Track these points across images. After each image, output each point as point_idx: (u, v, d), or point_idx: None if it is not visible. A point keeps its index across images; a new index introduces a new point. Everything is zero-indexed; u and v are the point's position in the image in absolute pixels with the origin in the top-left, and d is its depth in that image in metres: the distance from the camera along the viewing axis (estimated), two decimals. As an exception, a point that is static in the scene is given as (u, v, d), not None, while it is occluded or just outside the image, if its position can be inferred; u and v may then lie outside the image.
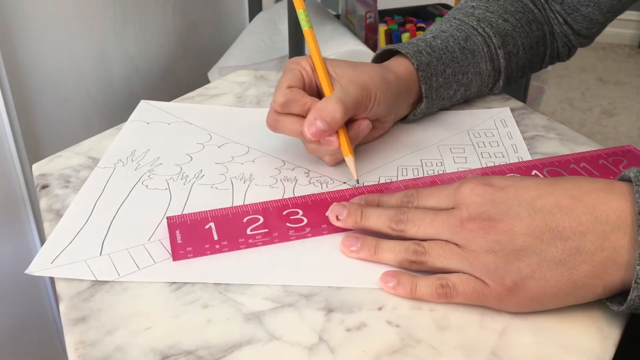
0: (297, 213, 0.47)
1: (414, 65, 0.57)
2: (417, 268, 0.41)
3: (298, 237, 0.45)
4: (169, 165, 0.55)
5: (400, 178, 0.53)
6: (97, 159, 0.56)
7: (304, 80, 0.52)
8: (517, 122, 0.61)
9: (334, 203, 0.45)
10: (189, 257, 0.43)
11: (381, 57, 0.61)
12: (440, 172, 0.53)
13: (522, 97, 1.36)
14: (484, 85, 0.63)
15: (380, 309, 0.39)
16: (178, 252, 0.43)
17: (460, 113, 0.63)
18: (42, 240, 0.80)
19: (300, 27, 0.54)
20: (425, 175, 0.53)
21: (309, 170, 0.54)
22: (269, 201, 0.48)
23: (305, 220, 0.46)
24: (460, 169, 0.54)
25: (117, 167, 0.54)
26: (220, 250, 0.43)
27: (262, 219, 0.46)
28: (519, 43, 0.63)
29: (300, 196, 0.49)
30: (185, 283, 0.41)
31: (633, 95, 2.37)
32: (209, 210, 0.47)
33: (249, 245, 0.44)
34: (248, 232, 0.45)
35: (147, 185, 0.52)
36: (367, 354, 0.36)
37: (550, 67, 1.51)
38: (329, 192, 0.49)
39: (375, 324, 0.38)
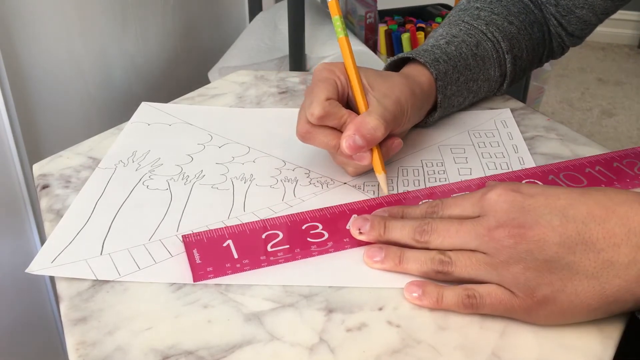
0: (317, 227, 0.46)
1: (433, 75, 0.56)
2: (443, 278, 0.40)
3: (320, 253, 0.43)
4: (170, 165, 0.55)
5: (401, 178, 0.53)
6: (97, 159, 0.56)
7: (339, 91, 0.50)
8: (517, 122, 0.61)
9: (355, 216, 0.44)
10: (209, 278, 0.41)
11: (394, 63, 0.60)
12: (441, 172, 0.53)
13: (522, 97, 1.36)
14: (491, 90, 0.63)
15: (380, 309, 0.39)
16: (198, 273, 0.41)
17: (460, 114, 0.63)
18: (43, 240, 0.80)
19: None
20: (426, 175, 0.53)
21: (309, 171, 0.54)
22: (287, 215, 0.47)
23: (327, 235, 0.45)
24: (460, 170, 0.54)
25: (117, 168, 0.54)
26: (241, 269, 0.42)
27: (281, 235, 0.45)
28: (523, 46, 0.63)
29: (319, 209, 0.47)
30: (186, 283, 0.41)
31: (633, 95, 2.37)
32: (225, 227, 0.45)
33: (270, 263, 0.42)
34: (269, 248, 0.43)
35: (147, 186, 0.52)
36: (368, 354, 0.36)
37: (550, 67, 1.51)
38: (347, 204, 0.48)
39: (375, 324, 0.38)
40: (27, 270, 0.42)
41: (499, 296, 0.37)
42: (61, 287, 0.41)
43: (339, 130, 0.49)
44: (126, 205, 0.49)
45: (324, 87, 0.49)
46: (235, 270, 0.42)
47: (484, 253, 0.38)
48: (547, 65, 1.51)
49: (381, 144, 0.51)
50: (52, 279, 0.47)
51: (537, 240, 0.36)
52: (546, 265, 0.36)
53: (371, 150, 0.49)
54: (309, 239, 0.44)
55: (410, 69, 0.57)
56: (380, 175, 0.50)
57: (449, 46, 0.59)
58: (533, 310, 0.37)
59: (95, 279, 0.42)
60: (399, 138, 0.52)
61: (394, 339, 0.37)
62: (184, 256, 0.44)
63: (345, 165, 0.52)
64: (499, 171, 0.53)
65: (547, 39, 0.66)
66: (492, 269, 0.37)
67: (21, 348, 0.85)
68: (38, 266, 0.43)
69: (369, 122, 0.48)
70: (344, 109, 0.49)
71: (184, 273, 0.42)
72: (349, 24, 1.34)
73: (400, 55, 0.59)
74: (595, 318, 0.37)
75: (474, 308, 0.38)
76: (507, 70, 0.62)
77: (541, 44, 0.65)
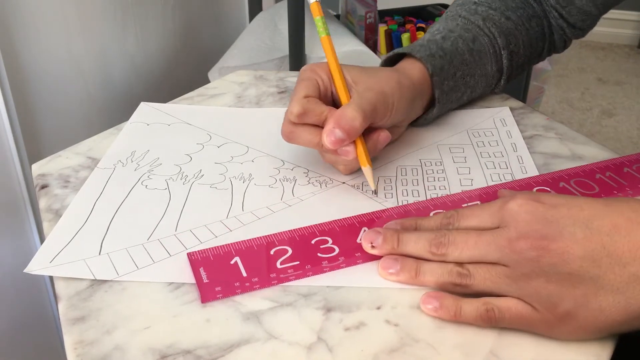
0: (327, 241, 0.44)
1: (429, 70, 0.56)
2: (461, 291, 0.39)
3: (332, 269, 0.42)
4: (169, 165, 0.55)
5: (400, 178, 0.53)
6: (96, 159, 0.56)
7: (320, 89, 0.50)
8: (516, 121, 0.61)
9: (367, 230, 0.43)
10: (218, 298, 0.40)
11: (390, 59, 0.60)
12: (440, 171, 0.53)
13: (522, 97, 1.36)
14: (488, 86, 0.63)
15: (378, 308, 0.39)
16: (206, 294, 0.40)
17: (459, 112, 0.63)
18: (42, 240, 0.80)
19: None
20: (425, 175, 0.53)
21: (308, 170, 0.54)
22: (295, 230, 0.45)
23: (337, 250, 0.44)
24: (459, 169, 0.54)
25: (116, 168, 0.54)
26: (251, 288, 0.40)
27: (290, 250, 0.44)
28: (520, 41, 0.62)
29: (327, 222, 0.46)
30: (184, 283, 0.41)
31: (633, 95, 2.37)
32: (231, 244, 0.44)
33: (281, 281, 0.41)
34: (278, 265, 0.42)
35: (146, 186, 0.52)
36: (366, 353, 0.36)
37: (550, 67, 1.51)
38: (356, 216, 0.47)
39: (373, 323, 0.38)
40: (25, 270, 0.42)
41: (519, 311, 0.36)
42: (59, 287, 0.41)
43: (321, 127, 0.49)
44: (125, 205, 0.49)
45: (304, 85, 0.50)
46: (244, 289, 0.40)
47: (504, 265, 0.37)
48: (547, 65, 1.51)
49: (367, 137, 0.51)
50: (51, 278, 0.47)
51: (561, 253, 0.35)
52: (569, 279, 0.35)
53: (355, 143, 0.49)
54: (319, 254, 0.43)
55: (403, 64, 0.57)
56: (365, 168, 0.50)
57: (445, 41, 0.59)
58: (555, 325, 0.36)
59: (93, 278, 0.42)
60: (386, 131, 0.51)
61: (392, 337, 0.37)
62: (183, 255, 0.44)
63: (335, 163, 0.52)
64: (498, 170, 0.53)
65: (548, 32, 0.66)
66: (512, 282, 0.36)
67: (20, 347, 0.85)
68: (36, 266, 0.43)
69: (346, 113, 0.48)
70: (323, 105, 0.49)
71: (183, 272, 0.42)
72: (349, 24, 1.34)
73: (395, 50, 0.59)
74: (618, 332, 0.36)
75: (493, 322, 0.37)
76: (503, 66, 0.62)
77: (540, 38, 0.65)
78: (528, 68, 0.67)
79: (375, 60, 1.09)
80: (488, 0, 0.63)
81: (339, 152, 0.49)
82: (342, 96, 0.50)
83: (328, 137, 0.47)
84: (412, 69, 0.56)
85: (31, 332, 0.87)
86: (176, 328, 0.38)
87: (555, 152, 0.56)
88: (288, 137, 0.51)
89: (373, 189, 0.50)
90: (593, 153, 0.56)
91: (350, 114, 0.48)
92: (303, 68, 0.52)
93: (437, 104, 0.58)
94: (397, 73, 0.54)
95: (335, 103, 0.52)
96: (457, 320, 0.38)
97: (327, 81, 0.51)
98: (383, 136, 0.51)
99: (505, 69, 0.62)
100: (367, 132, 0.50)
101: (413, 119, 0.58)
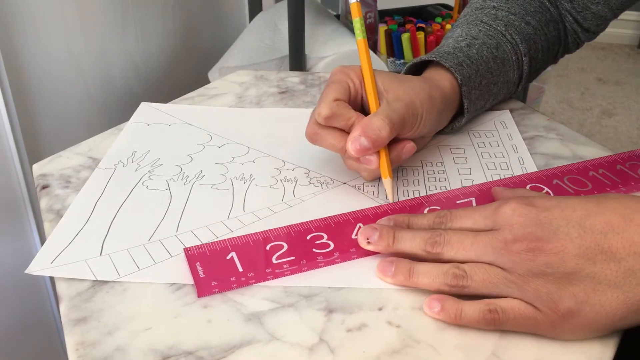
0: (322, 237, 0.45)
1: (458, 80, 0.55)
2: (458, 292, 0.39)
3: (327, 264, 0.43)
4: (169, 165, 0.55)
5: (401, 178, 0.53)
6: (97, 159, 0.56)
7: (350, 93, 0.50)
8: (517, 122, 0.61)
9: (362, 226, 0.43)
10: (214, 293, 0.40)
11: (415, 65, 0.59)
12: (441, 172, 0.53)
13: (522, 97, 1.36)
14: (509, 92, 0.62)
15: (380, 309, 0.39)
16: (203, 288, 0.41)
17: (460, 113, 0.63)
18: (42, 240, 0.80)
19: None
20: (426, 175, 0.53)
21: (309, 171, 0.54)
22: (291, 225, 0.46)
23: (332, 245, 0.44)
24: (460, 170, 0.54)
25: (117, 168, 0.54)
26: (246, 283, 0.41)
27: (286, 246, 0.44)
28: (539, 47, 0.62)
29: (322, 218, 0.47)
30: (185, 284, 0.41)
31: (633, 95, 2.37)
32: (228, 239, 0.45)
33: (276, 276, 0.41)
34: (274, 260, 0.43)
35: (147, 186, 0.52)
36: (368, 355, 0.36)
37: (550, 67, 1.51)
38: (351, 212, 0.47)
39: (375, 324, 0.38)
40: (26, 271, 0.42)
41: (522, 311, 0.36)
42: (61, 288, 0.41)
43: (347, 132, 0.49)
44: (126, 206, 0.49)
45: (334, 88, 0.49)
46: (240, 284, 0.41)
47: (500, 268, 0.37)
48: (547, 66, 1.51)
49: (392, 148, 0.50)
50: (52, 279, 0.47)
51: (557, 253, 0.35)
52: (567, 277, 0.35)
53: (378, 153, 0.48)
54: (314, 249, 0.44)
55: (432, 73, 0.56)
56: (386, 180, 0.49)
57: (471, 49, 0.57)
58: (558, 324, 0.36)
59: (94, 279, 0.42)
60: (411, 142, 0.51)
61: (394, 339, 0.37)
62: (183, 256, 0.44)
63: (357, 169, 0.51)
64: (499, 171, 0.53)
65: (563, 35, 0.65)
66: (511, 283, 0.37)
67: (21, 348, 0.85)
68: (38, 267, 0.43)
69: (374, 122, 0.47)
70: (352, 110, 0.49)
71: (184, 273, 0.42)
72: (349, 24, 1.34)
73: (421, 57, 0.58)
74: (620, 328, 0.37)
75: (496, 324, 0.37)
76: (523, 73, 0.61)
77: (556, 42, 0.64)
78: (542, 71, 0.67)
79: (375, 60, 1.09)
80: (507, 4, 0.62)
81: (362, 160, 0.48)
82: (372, 103, 0.49)
83: (353, 144, 0.47)
84: (442, 79, 0.55)
85: (32, 333, 0.87)
86: (177, 329, 0.38)
87: (556, 152, 0.56)
88: (312, 138, 0.50)
89: (391, 201, 0.49)
90: (594, 153, 0.56)
91: (378, 124, 0.47)
92: (335, 69, 0.51)
93: (465, 114, 0.57)
94: (427, 84, 0.52)
95: (364, 108, 0.51)
96: (459, 323, 0.38)
97: (359, 85, 0.50)
98: (408, 147, 0.51)
99: (525, 76, 0.61)
100: (392, 142, 0.50)
101: (439, 129, 0.57)
